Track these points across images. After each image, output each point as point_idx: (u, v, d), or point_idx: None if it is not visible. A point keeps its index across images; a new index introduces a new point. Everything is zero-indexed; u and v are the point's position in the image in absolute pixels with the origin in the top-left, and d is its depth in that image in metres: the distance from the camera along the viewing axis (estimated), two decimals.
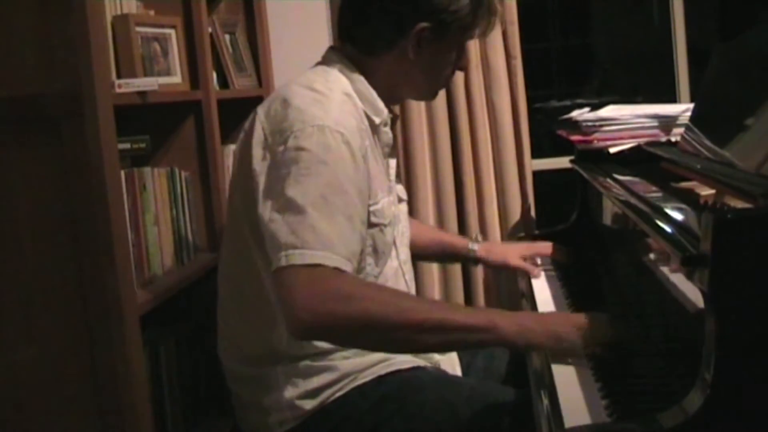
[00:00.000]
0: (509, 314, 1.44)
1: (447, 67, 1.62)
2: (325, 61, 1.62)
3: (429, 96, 1.74)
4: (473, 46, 2.76)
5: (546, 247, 2.12)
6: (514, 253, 2.07)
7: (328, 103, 1.46)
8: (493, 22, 1.62)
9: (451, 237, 2.19)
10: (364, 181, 1.46)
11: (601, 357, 1.36)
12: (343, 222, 1.39)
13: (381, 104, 1.57)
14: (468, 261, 2.08)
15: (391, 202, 1.60)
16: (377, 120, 1.57)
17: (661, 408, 1.09)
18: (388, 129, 1.61)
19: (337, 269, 1.35)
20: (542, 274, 2.03)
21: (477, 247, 2.04)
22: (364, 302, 1.35)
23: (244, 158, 1.51)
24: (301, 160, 1.40)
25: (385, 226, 1.55)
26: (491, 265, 2.12)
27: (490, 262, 2.06)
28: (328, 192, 1.39)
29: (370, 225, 1.51)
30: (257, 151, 1.47)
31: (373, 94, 1.57)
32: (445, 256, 2.15)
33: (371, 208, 1.51)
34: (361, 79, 1.56)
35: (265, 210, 1.42)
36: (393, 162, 1.67)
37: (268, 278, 1.48)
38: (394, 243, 1.63)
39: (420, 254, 2.08)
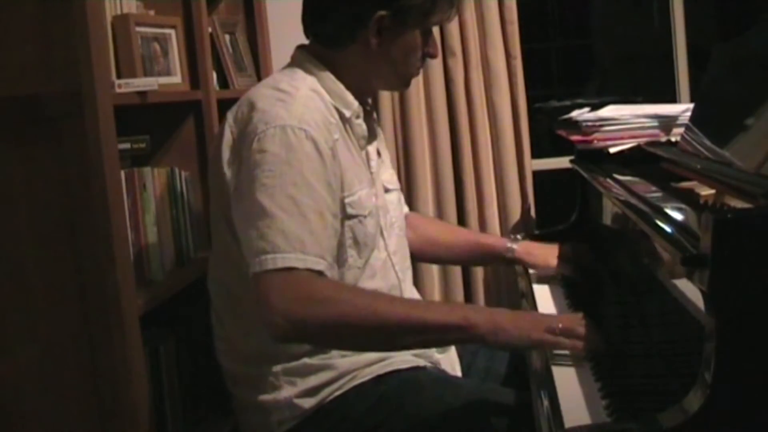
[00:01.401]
0: (486, 311, 1.46)
1: (413, 55, 1.60)
2: (293, 60, 1.63)
3: (399, 86, 1.71)
4: (473, 45, 2.77)
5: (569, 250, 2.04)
6: (554, 254, 2.00)
7: (292, 101, 1.47)
8: (456, 6, 1.62)
9: (488, 238, 2.18)
10: (333, 174, 1.48)
11: (579, 358, 1.38)
12: (314, 219, 1.41)
13: (350, 97, 1.58)
14: (505, 262, 2.01)
15: (371, 193, 1.60)
16: (347, 113, 1.57)
17: (661, 408, 1.09)
18: (360, 121, 1.61)
19: (309, 270, 1.38)
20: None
21: (516, 247, 1.98)
22: (339, 306, 1.37)
23: (215, 163, 1.53)
24: (265, 162, 1.41)
25: (364, 217, 1.55)
26: (531, 267, 2.02)
27: (530, 263, 1.99)
28: (294, 191, 1.40)
29: (348, 217, 1.52)
30: (226, 155, 1.49)
31: (341, 87, 1.57)
32: (483, 258, 2.09)
33: (347, 200, 1.52)
34: (327, 75, 1.57)
35: (237, 215, 1.45)
36: (373, 152, 1.67)
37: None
38: (381, 234, 1.63)
39: (456, 258, 2.08)
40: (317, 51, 1.61)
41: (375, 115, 1.75)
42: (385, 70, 1.61)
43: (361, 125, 1.61)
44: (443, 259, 2.05)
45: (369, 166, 1.64)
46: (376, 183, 1.65)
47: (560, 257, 1.98)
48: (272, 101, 1.47)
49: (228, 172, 1.48)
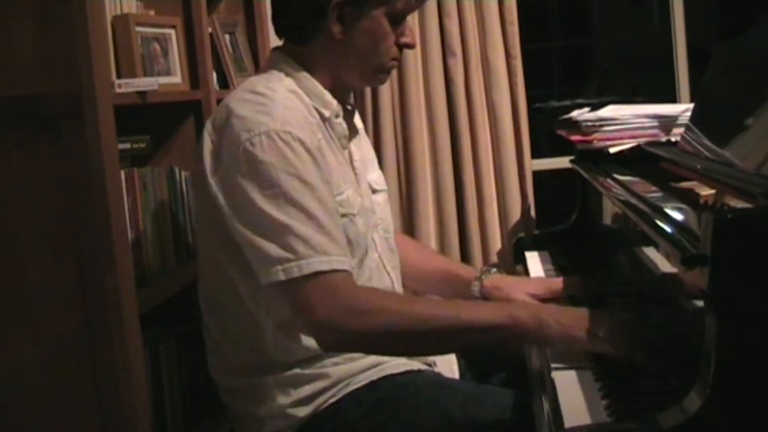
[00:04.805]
0: (530, 306, 1.46)
1: (381, 43, 1.54)
2: (268, 62, 1.60)
3: (373, 79, 1.63)
4: (473, 45, 2.77)
5: (557, 282, 1.85)
6: (523, 289, 1.81)
7: (271, 103, 1.44)
8: None
9: (459, 268, 1.97)
10: (326, 172, 1.46)
11: (603, 367, 1.35)
12: (325, 219, 1.40)
13: (328, 96, 1.55)
14: (472, 297, 1.84)
15: (356, 193, 1.57)
16: (327, 113, 1.54)
17: (661, 408, 1.09)
18: (340, 120, 1.58)
19: (335, 271, 1.38)
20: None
21: (484, 280, 1.81)
22: (385, 315, 1.38)
23: (199, 173, 1.49)
24: (260, 173, 1.39)
25: (354, 215, 1.54)
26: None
27: (496, 299, 1.80)
28: (298, 197, 1.39)
29: (340, 216, 1.50)
30: (209, 163, 1.46)
31: (319, 87, 1.54)
32: (452, 288, 1.88)
33: (337, 199, 1.50)
34: (304, 75, 1.54)
35: (244, 229, 1.42)
36: (356, 151, 1.64)
37: (245, 289, 1.49)
38: (372, 236, 1.62)
39: (424, 285, 1.93)
40: (290, 50, 1.58)
41: (357, 113, 1.72)
42: (354, 62, 1.55)
43: (341, 124, 1.58)
44: (411, 282, 1.88)
45: (353, 166, 1.62)
46: (360, 183, 1.63)
47: (566, 294, 1.79)
48: (251, 106, 1.44)
49: (213, 181, 1.45)
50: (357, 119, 1.71)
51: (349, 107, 1.65)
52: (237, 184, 1.41)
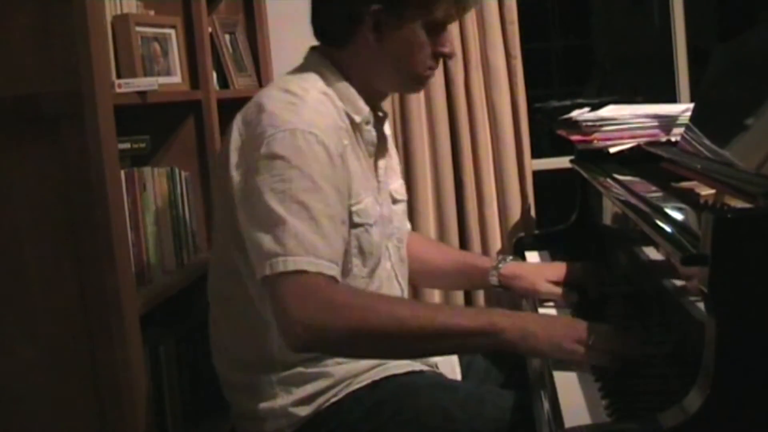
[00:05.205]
0: (513, 316, 1.41)
1: (418, 53, 1.53)
2: (305, 61, 1.60)
3: (409, 86, 1.64)
4: (473, 45, 2.77)
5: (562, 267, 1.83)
6: (544, 274, 1.79)
7: (302, 104, 1.44)
8: (462, 3, 1.54)
9: (475, 258, 1.99)
10: (342, 180, 1.45)
11: (602, 367, 1.34)
12: (326, 224, 1.38)
13: (361, 102, 1.54)
14: (491, 286, 1.82)
15: (376, 202, 1.57)
16: (358, 118, 1.54)
17: (661, 408, 1.09)
18: (370, 127, 1.57)
19: (320, 274, 1.35)
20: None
21: (501, 268, 1.79)
22: (359, 312, 1.35)
23: (222, 164, 1.50)
24: (275, 167, 1.39)
25: (370, 226, 1.53)
26: (518, 292, 1.81)
27: (516, 288, 1.79)
28: (305, 197, 1.38)
29: (354, 225, 1.49)
30: (233, 157, 1.47)
31: (352, 91, 1.54)
32: (470, 279, 1.88)
33: (353, 208, 1.49)
34: (339, 78, 1.54)
35: (246, 221, 1.42)
36: (382, 161, 1.64)
37: (252, 286, 1.49)
38: (387, 245, 1.61)
39: (443, 280, 1.93)
40: (326, 51, 1.57)
41: (387, 122, 1.70)
42: (388, 69, 1.55)
43: (370, 131, 1.58)
44: (430, 279, 1.91)
45: (377, 174, 1.61)
46: (382, 191, 1.62)
47: (568, 281, 1.77)
48: (282, 104, 1.45)
49: (235, 175, 1.45)
50: (386, 127, 1.70)
51: (380, 114, 1.64)
52: (251, 175, 1.41)
